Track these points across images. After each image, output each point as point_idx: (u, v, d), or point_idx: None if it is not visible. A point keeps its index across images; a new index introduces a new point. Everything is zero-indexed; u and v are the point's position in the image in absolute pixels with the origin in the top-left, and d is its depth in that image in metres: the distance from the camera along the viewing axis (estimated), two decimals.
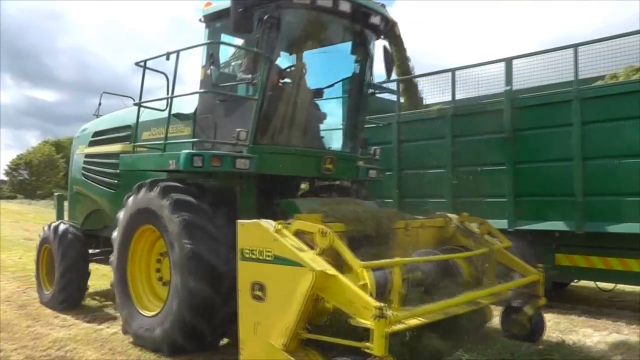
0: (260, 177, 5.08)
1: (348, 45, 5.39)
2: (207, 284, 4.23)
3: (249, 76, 4.95)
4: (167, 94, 5.57)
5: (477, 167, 7.16)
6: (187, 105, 5.64)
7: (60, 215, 8.05)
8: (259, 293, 3.64)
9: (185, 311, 4.24)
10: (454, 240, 5.40)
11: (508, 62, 6.96)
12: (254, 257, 3.69)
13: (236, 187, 4.93)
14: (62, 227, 6.74)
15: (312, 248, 3.56)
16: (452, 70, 7.53)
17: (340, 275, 3.33)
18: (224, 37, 5.50)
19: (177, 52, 4.99)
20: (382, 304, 3.08)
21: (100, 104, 8.22)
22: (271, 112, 4.89)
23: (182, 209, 4.43)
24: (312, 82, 5.45)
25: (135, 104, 5.62)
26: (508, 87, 6.89)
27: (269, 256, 3.60)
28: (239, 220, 3.85)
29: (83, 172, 7.41)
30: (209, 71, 5.37)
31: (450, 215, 5.57)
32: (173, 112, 5.63)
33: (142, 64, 5.49)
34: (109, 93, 8.35)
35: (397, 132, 7.83)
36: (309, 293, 3.31)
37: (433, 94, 7.89)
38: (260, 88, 4.69)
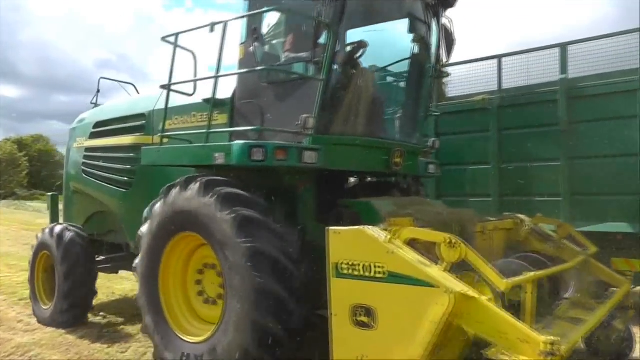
0: (317, 174, 4.29)
1: (414, 20, 4.64)
2: (278, 282, 3.39)
3: (305, 54, 4.16)
4: (195, 75, 4.70)
5: (527, 163, 6.55)
6: (221, 89, 4.79)
7: (54, 218, 7.03)
8: (364, 319, 2.87)
9: (257, 315, 3.37)
10: (526, 245, 4.76)
11: (563, 48, 6.37)
12: (356, 273, 2.92)
13: (295, 186, 4.11)
14: (65, 231, 5.76)
15: (432, 261, 2.83)
16: (499, 57, 6.91)
17: (484, 299, 2.60)
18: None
19: (225, 22, 4.14)
20: (554, 338, 2.38)
21: (98, 91, 7.25)
22: (338, 96, 4.10)
23: (234, 203, 3.59)
24: (371, 62, 4.68)
25: (163, 87, 4.71)
26: (563, 75, 6.30)
27: (380, 273, 2.83)
28: (331, 228, 3.06)
29: (83, 168, 6.44)
30: (252, 48, 4.52)
31: (521, 216, 4.93)
32: (202, 98, 4.79)
33: (172, 39, 4.62)
34: (107, 79, 7.39)
35: (435, 125, 7.14)
36: (444, 320, 2.57)
37: (473, 83, 7.23)
38: (326, 66, 3.89)
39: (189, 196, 3.86)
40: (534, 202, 6.42)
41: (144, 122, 5.56)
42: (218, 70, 4.26)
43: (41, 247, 6.01)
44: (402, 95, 4.74)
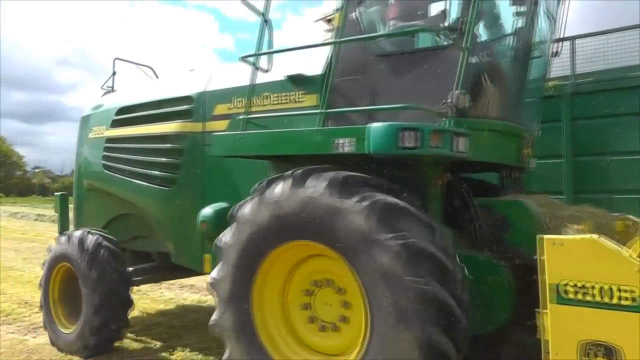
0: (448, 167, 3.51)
1: None
2: (442, 286, 2.61)
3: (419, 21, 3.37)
4: (257, 49, 3.77)
5: (606, 157, 5.94)
6: (304, 65, 3.95)
7: (64, 222, 5.95)
8: None
9: (422, 330, 2.56)
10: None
11: None
12: (588, 299, 2.16)
13: (427, 182, 3.28)
14: (91, 238, 4.74)
15: None
16: (571, 39, 6.26)
17: None
18: None
19: None
20: None
21: (114, 73, 6.22)
22: (482, 70, 3.31)
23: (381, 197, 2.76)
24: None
25: (244, 58, 3.78)
26: None
27: (628, 299, 2.08)
28: (547, 236, 2.29)
29: (104, 162, 5.42)
30: (354, 14, 3.70)
31: (633, 217, 4.29)
32: (283, 75, 3.94)
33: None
34: (123, 60, 6.37)
35: None
36: None
37: None
38: (469, 34, 3.08)
39: (315, 193, 2.92)
40: (612, 200, 5.82)
41: (190, 106, 4.62)
42: (341, 31, 3.40)
43: (58, 258, 4.96)
44: (529, 74, 3.99)
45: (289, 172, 3.15)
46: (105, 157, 5.43)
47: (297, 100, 3.96)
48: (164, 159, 4.75)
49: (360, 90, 3.61)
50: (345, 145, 3.02)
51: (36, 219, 25.63)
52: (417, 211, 2.76)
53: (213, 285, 3.43)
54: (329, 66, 3.78)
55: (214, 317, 3.41)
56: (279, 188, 3.09)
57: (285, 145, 3.37)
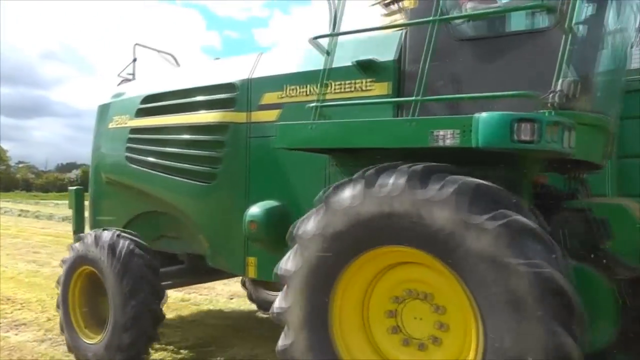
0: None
1: None
2: (568, 323, 2.27)
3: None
4: (332, 29, 3.44)
5: None
6: (372, 49, 3.57)
7: (80, 219, 5.46)
8: None
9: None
10: None
11: None
12: None
13: (523, 181, 2.94)
14: (122, 244, 4.26)
15: None
16: None
17: None
18: None
19: None
20: None
21: (135, 60, 5.76)
22: (586, 56, 2.98)
23: (493, 204, 2.41)
24: None
25: (316, 39, 3.39)
26: None
27: None
28: None
29: (128, 155, 4.97)
30: None
31: None
32: (348, 61, 3.57)
33: None
34: (143, 46, 5.91)
35: None
36: None
37: None
38: (573, 12, 2.76)
39: (432, 198, 2.47)
40: None
41: (234, 94, 4.21)
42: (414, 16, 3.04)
43: (80, 261, 4.48)
44: (625, 63, 3.66)
45: (371, 171, 2.77)
46: (128, 149, 4.98)
47: (364, 88, 3.58)
48: (202, 152, 4.33)
49: (441, 78, 3.26)
50: (447, 138, 2.66)
51: (19, 215, 24.81)
52: (546, 234, 2.42)
53: (280, 315, 3.01)
54: (403, 52, 3.43)
55: (283, 343, 3.00)
56: (360, 187, 2.72)
57: (371, 137, 2.96)
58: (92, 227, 5.46)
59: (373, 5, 4.54)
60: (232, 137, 4.19)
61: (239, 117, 4.18)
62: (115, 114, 5.24)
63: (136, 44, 5.86)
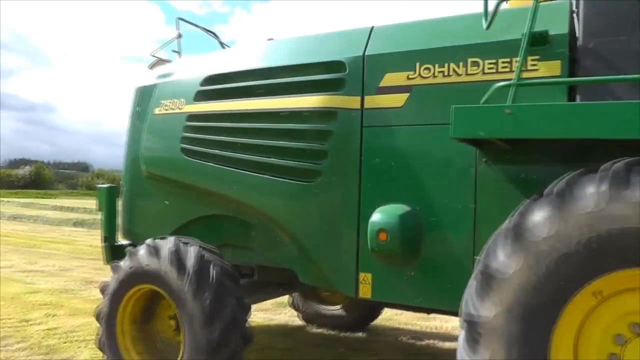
0: None
1: None
2: None
3: None
4: None
5: None
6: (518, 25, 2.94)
7: (111, 224, 4.49)
8: None
9: None
10: None
11: None
12: None
13: None
14: (190, 248, 3.42)
15: None
16: None
17: None
18: None
19: None
20: None
21: (180, 36, 4.90)
22: None
23: None
24: None
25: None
26: None
27: None
28: None
29: (185, 145, 4.10)
30: None
31: None
32: (501, 35, 2.95)
33: None
34: (186, 21, 5.06)
35: None
36: None
37: None
38: None
39: None
40: None
41: (342, 74, 3.46)
42: None
43: (133, 280, 3.56)
44: None
45: (620, 166, 2.14)
46: (186, 140, 4.10)
47: (525, 68, 2.94)
48: (301, 144, 3.53)
49: (633, 54, 2.68)
50: None
51: None
52: None
53: (472, 324, 2.31)
54: (576, 24, 2.83)
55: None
56: (606, 189, 2.08)
57: (626, 126, 2.28)
58: (128, 234, 4.53)
59: None
60: (340, 125, 3.43)
61: (350, 101, 3.43)
62: (164, 98, 4.34)
63: (179, 19, 5.01)
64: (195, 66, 4.37)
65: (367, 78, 3.39)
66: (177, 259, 3.40)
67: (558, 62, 2.85)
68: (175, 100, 4.24)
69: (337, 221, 3.42)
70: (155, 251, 3.52)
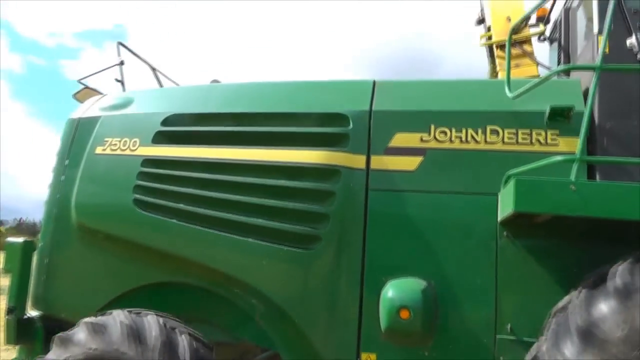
0: None
1: None
2: None
3: None
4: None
5: None
6: (544, 95, 2.93)
7: (21, 290, 3.48)
8: None
9: None
10: None
11: None
12: None
13: None
14: (155, 320, 2.71)
15: None
16: None
17: None
18: None
19: None
20: None
21: (122, 63, 4.24)
22: None
23: None
24: None
25: (601, 70, 2.55)
26: None
27: None
28: None
29: (138, 196, 3.37)
30: (632, 41, 2.89)
31: None
32: (523, 105, 2.92)
33: None
34: (127, 48, 4.41)
35: None
36: None
37: None
38: None
39: None
40: None
41: (346, 129, 3.12)
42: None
43: None
44: None
45: None
46: (141, 189, 3.38)
47: (546, 142, 2.89)
48: (298, 205, 3.06)
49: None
50: None
51: None
52: None
53: None
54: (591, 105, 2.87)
55: None
56: None
57: None
58: (42, 302, 3.56)
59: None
60: (343, 186, 3.05)
61: (354, 160, 3.09)
62: (109, 135, 3.59)
63: (119, 43, 4.32)
64: (152, 101, 3.73)
65: (374, 136, 3.10)
66: (136, 333, 2.67)
67: (577, 138, 2.83)
68: (126, 140, 3.52)
69: (336, 294, 2.98)
70: (101, 329, 2.74)
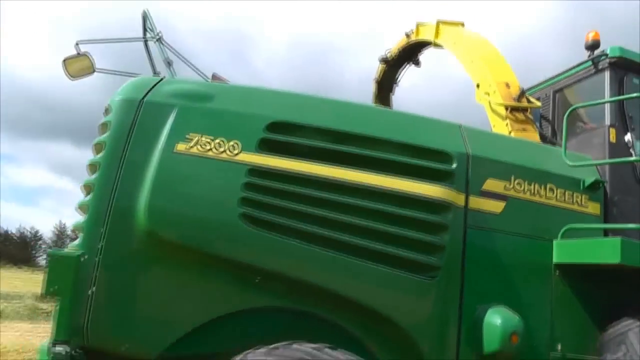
0: None
1: None
2: None
3: None
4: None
5: None
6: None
7: (74, 317, 2.54)
8: None
9: None
10: None
11: None
12: None
13: None
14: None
15: None
16: None
17: None
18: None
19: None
20: None
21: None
22: None
23: None
24: None
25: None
26: None
27: None
28: None
29: (248, 211, 2.94)
30: (627, 137, 4.13)
31: None
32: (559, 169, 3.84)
33: None
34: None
35: None
36: None
37: None
38: None
39: None
40: None
41: (452, 167, 3.43)
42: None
43: None
44: None
45: None
46: (250, 203, 2.95)
47: (580, 203, 3.86)
48: (419, 235, 3.19)
49: (629, 210, 4.04)
50: None
51: None
52: None
53: None
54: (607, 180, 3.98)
55: None
56: None
57: None
58: (79, 334, 2.71)
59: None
60: (453, 221, 3.37)
61: (457, 198, 3.44)
62: (194, 130, 2.98)
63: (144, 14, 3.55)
64: (244, 100, 3.25)
65: (472, 178, 3.51)
66: None
67: (598, 205, 3.87)
68: (222, 141, 3.01)
69: (449, 321, 3.29)
70: None
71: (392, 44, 7.05)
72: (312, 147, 3.17)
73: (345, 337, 3.13)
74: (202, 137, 2.99)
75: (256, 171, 3.02)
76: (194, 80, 3.40)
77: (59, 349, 2.55)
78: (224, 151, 3.00)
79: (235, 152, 3.02)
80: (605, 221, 3.88)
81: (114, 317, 2.76)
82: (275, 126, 3.14)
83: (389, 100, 7.53)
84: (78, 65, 3.43)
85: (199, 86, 3.25)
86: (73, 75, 3.35)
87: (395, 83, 7.40)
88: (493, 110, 4.78)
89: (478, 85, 4.99)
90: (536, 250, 3.64)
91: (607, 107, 4.18)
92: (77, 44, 3.40)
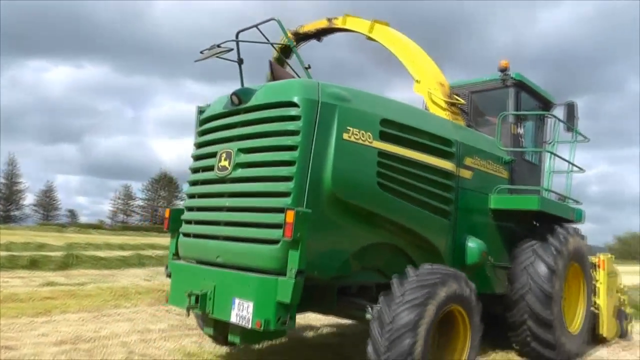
0: None
1: None
2: None
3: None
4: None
5: None
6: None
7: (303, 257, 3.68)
8: None
9: None
10: None
11: None
12: None
13: None
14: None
15: None
16: None
17: None
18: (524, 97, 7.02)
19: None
20: None
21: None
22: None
23: None
24: None
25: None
26: None
27: None
28: None
29: (380, 180, 4.55)
30: (520, 131, 6.84)
31: None
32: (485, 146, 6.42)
33: None
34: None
35: None
36: None
37: None
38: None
39: None
40: None
41: (452, 149, 5.48)
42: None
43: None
44: None
45: None
46: (381, 175, 4.52)
47: (501, 172, 6.41)
48: (439, 191, 5.23)
49: (522, 176, 6.83)
50: None
51: None
52: None
53: None
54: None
55: None
56: None
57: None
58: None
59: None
60: (454, 184, 5.48)
61: (455, 169, 5.56)
62: (349, 124, 4.32)
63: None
64: (366, 102, 4.60)
65: (460, 157, 5.65)
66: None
67: (508, 172, 6.50)
68: (363, 132, 4.41)
69: (450, 242, 5.44)
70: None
71: (306, 22, 8.25)
72: (401, 137, 4.82)
73: (404, 257, 4.98)
74: (353, 129, 4.34)
75: (384, 154, 4.58)
76: (336, 84, 4.52)
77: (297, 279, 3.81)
78: (365, 139, 4.42)
79: (371, 140, 4.47)
80: (510, 183, 6.51)
81: (309, 250, 3.97)
82: (386, 122, 4.66)
83: (283, 64, 8.69)
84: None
85: (341, 90, 4.46)
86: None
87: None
88: (434, 102, 6.90)
89: (418, 81, 6.99)
90: (483, 201, 6.05)
91: (511, 111, 6.80)
92: (218, 45, 4.19)
